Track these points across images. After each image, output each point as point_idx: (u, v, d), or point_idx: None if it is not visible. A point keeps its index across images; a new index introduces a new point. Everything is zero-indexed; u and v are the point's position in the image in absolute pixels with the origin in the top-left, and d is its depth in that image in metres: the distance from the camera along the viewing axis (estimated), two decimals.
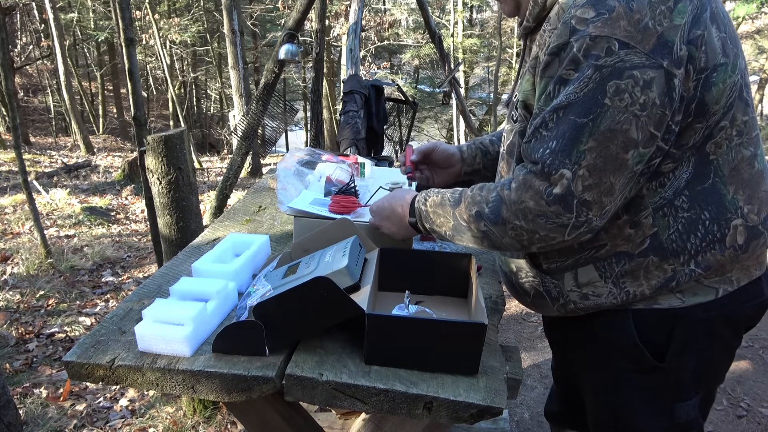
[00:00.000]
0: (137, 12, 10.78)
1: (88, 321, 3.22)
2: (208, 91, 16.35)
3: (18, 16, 13.31)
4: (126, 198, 6.45)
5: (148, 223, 3.55)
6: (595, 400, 1.15)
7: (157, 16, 10.85)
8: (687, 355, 1.01)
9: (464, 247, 1.55)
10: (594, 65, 0.83)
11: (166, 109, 15.31)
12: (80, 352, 1.00)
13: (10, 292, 3.52)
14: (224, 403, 1.59)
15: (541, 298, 1.08)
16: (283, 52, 4.16)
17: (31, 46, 13.71)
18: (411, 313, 1.06)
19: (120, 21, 3.21)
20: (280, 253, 1.29)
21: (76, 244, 4.61)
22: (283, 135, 11.48)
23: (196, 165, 9.55)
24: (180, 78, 13.73)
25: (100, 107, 13.63)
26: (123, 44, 3.23)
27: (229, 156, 7.91)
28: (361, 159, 1.74)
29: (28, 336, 3.01)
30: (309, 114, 8.98)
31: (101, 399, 2.47)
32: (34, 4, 11.42)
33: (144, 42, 11.57)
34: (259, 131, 5.05)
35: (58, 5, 10.85)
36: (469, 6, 15.90)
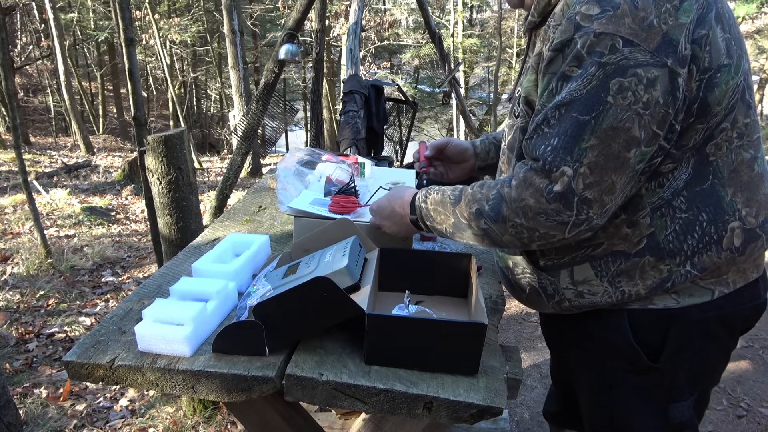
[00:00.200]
0: (137, 12, 10.78)
1: (88, 321, 3.22)
2: (208, 91, 16.35)
3: (18, 16, 13.31)
4: (126, 198, 6.45)
5: (148, 223, 3.55)
6: (590, 399, 1.15)
7: (157, 16, 10.85)
8: (682, 356, 1.01)
9: (464, 246, 1.55)
10: (597, 62, 0.83)
11: (166, 109, 15.31)
12: (80, 352, 1.00)
13: (10, 292, 3.52)
14: (224, 403, 1.59)
15: (537, 295, 1.08)
16: (283, 52, 4.16)
17: (31, 46, 13.71)
18: (411, 313, 1.06)
19: (120, 21, 3.21)
20: (280, 253, 1.29)
21: (76, 244, 4.61)
22: (283, 135, 11.48)
23: (196, 165, 9.55)
24: (180, 78, 13.73)
25: (100, 107, 13.64)
26: (123, 44, 3.23)
27: (229, 156, 7.91)
28: (361, 159, 1.74)
29: (28, 336, 3.01)
30: (309, 114, 8.98)
31: (101, 399, 2.47)
32: (34, 4, 11.42)
33: (144, 42, 11.57)
34: (259, 131, 5.04)
35: (58, 5, 10.85)
36: (469, 6, 15.90)
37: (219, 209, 4.66)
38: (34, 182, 6.23)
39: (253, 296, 1.09)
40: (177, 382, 0.96)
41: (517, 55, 14.50)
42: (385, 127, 3.86)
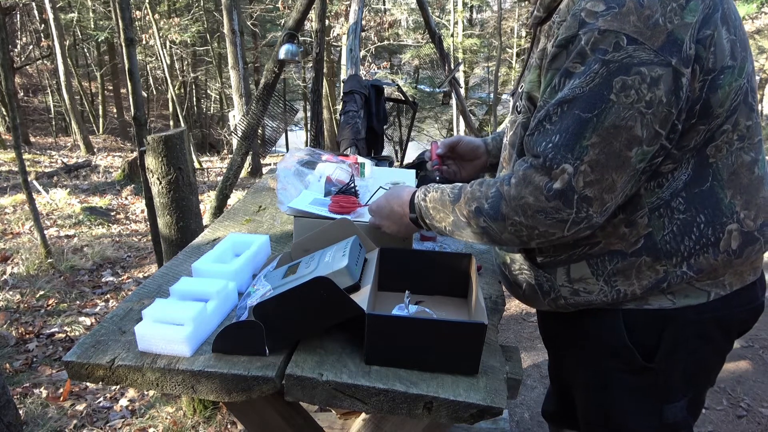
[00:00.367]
0: (137, 12, 10.78)
1: (88, 321, 3.22)
2: (208, 91, 16.35)
3: (18, 16, 13.31)
4: (126, 198, 6.45)
5: (148, 223, 3.55)
6: (586, 398, 1.15)
7: (157, 16, 10.85)
8: (676, 357, 1.00)
9: (464, 246, 1.55)
10: (601, 60, 0.82)
11: (166, 109, 15.31)
12: (80, 352, 1.00)
13: (10, 292, 3.52)
14: (224, 403, 1.59)
15: (533, 292, 1.08)
16: (283, 52, 4.16)
17: (31, 46, 13.71)
18: (411, 313, 1.06)
19: (120, 21, 3.21)
20: (280, 253, 1.29)
21: (76, 244, 4.61)
22: (283, 135, 11.48)
23: (196, 165, 9.55)
24: (180, 78, 13.73)
25: (100, 107, 13.64)
26: (123, 44, 3.23)
27: (229, 156, 7.91)
28: (361, 159, 1.74)
29: (28, 336, 3.01)
30: (309, 114, 8.99)
31: (101, 399, 2.47)
32: (34, 4, 11.42)
33: (144, 42, 11.57)
34: (259, 131, 5.04)
35: (58, 5, 10.85)
36: (469, 6, 15.91)
37: (219, 209, 4.66)
38: (34, 182, 6.24)
39: (253, 296, 1.09)
40: (177, 382, 0.96)
41: (518, 55, 14.50)
42: (385, 127, 3.86)
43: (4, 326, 3.08)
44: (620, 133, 0.83)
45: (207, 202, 5.93)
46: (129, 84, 3.23)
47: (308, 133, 10.48)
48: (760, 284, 1.05)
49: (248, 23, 12.10)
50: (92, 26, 13.35)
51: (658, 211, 0.93)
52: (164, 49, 10.67)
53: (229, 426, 2.24)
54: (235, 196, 5.84)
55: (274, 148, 7.04)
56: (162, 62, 10.76)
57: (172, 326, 0.99)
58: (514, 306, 3.41)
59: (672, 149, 0.89)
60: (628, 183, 0.88)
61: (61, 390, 2.51)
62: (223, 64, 13.16)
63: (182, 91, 14.03)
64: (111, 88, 14.92)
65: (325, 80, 8.18)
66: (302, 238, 1.26)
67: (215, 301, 1.08)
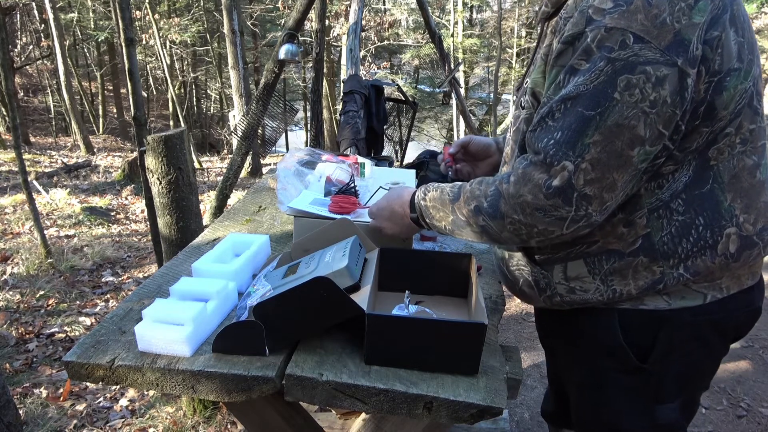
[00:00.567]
0: (137, 12, 10.78)
1: (88, 321, 3.22)
2: (208, 91, 16.35)
3: (18, 16, 13.31)
4: (126, 198, 6.45)
5: (148, 223, 3.55)
6: (579, 396, 1.15)
7: (157, 16, 10.85)
8: (671, 358, 1.00)
9: (464, 245, 1.55)
10: (607, 57, 0.82)
11: (166, 109, 15.31)
12: (80, 352, 1.00)
13: (10, 292, 3.52)
14: (224, 403, 1.59)
15: (529, 288, 1.08)
16: (283, 52, 4.16)
17: (31, 46, 13.71)
18: (411, 313, 1.06)
19: (120, 21, 3.21)
20: (280, 253, 1.29)
21: (76, 244, 4.61)
22: (283, 135, 11.48)
23: (196, 165, 9.55)
24: (180, 78, 13.73)
25: (100, 107, 13.64)
26: (123, 44, 3.23)
27: (229, 156, 7.91)
28: (361, 159, 1.74)
29: (28, 336, 3.01)
30: (309, 114, 8.99)
31: (101, 399, 2.47)
32: (34, 4, 11.42)
33: (144, 42, 11.57)
34: (259, 131, 5.04)
35: (58, 5, 10.85)
36: (469, 6, 15.91)
37: (219, 209, 4.66)
38: (34, 182, 6.24)
39: (253, 296, 1.09)
40: (177, 382, 0.96)
41: (518, 54, 14.50)
42: (385, 127, 3.86)
43: (4, 326, 3.08)
44: (623, 132, 0.83)
45: (207, 202, 5.93)
46: (129, 84, 3.23)
47: (308, 133, 10.48)
48: (758, 289, 1.04)
49: (248, 23, 12.10)
50: (92, 26, 13.35)
51: (657, 212, 0.93)
52: (164, 49, 10.67)
53: (229, 426, 2.24)
54: (235, 196, 5.84)
55: (274, 148, 7.04)
56: (162, 62, 10.76)
57: (172, 326, 0.99)
58: (514, 306, 3.41)
59: (674, 150, 0.89)
60: (629, 182, 0.88)
61: (61, 390, 2.51)
62: (223, 64, 13.16)
63: (182, 91, 14.03)
64: (111, 88, 14.92)
65: (325, 80, 8.18)
66: (302, 238, 1.26)
67: (215, 301, 1.08)
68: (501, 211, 0.92)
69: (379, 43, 12.85)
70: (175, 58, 13.24)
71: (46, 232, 4.31)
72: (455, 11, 13.45)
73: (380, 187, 1.43)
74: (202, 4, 12.48)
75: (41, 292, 3.53)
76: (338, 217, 1.28)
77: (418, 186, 1.16)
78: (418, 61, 15.16)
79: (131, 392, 2.50)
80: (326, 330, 1.04)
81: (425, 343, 0.95)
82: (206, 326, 1.04)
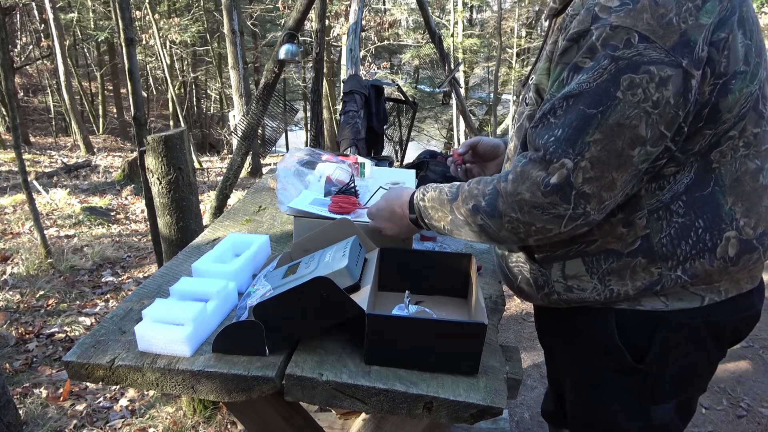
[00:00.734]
0: (137, 12, 10.78)
1: (88, 321, 3.22)
2: (208, 91, 16.35)
3: (18, 16, 13.31)
4: (126, 198, 6.45)
5: (148, 223, 3.55)
6: (575, 395, 1.15)
7: (157, 16, 10.85)
8: (667, 359, 1.00)
9: (464, 245, 1.55)
10: (611, 56, 0.81)
11: (166, 109, 15.31)
12: (80, 352, 1.00)
13: (10, 292, 3.52)
14: (224, 403, 1.59)
15: (528, 285, 1.08)
16: (283, 52, 4.16)
17: (31, 46, 13.71)
18: (411, 313, 1.06)
19: (120, 21, 3.21)
20: (280, 253, 1.29)
21: (76, 244, 4.61)
22: (283, 135, 11.48)
23: (196, 165, 9.55)
24: (180, 78, 13.73)
25: (100, 107, 13.64)
26: (123, 44, 3.23)
27: (229, 156, 7.91)
28: (361, 159, 1.74)
29: (28, 336, 3.01)
30: (309, 114, 8.99)
31: (101, 399, 2.47)
32: (34, 4, 11.42)
33: (144, 42, 11.57)
34: (259, 131, 5.05)
35: (58, 5, 10.85)
36: (469, 6, 15.91)
37: (219, 209, 4.66)
38: (34, 182, 6.24)
39: (253, 296, 1.09)
40: (177, 382, 0.96)
41: (518, 54, 14.49)
42: (385, 127, 3.86)
43: (4, 326, 3.08)
44: (624, 132, 0.82)
45: (207, 202, 5.93)
46: (129, 84, 3.23)
47: (308, 133, 10.48)
48: (758, 293, 1.03)
49: (248, 23, 12.10)
50: (92, 26, 13.35)
51: (657, 214, 0.93)
52: (164, 49, 10.67)
53: (229, 426, 2.24)
54: (235, 196, 5.84)
55: (274, 148, 7.04)
56: (162, 62, 10.76)
57: (172, 326, 0.99)
58: (514, 306, 3.41)
59: (676, 152, 0.89)
60: (629, 182, 0.88)
61: (61, 390, 2.51)
62: (223, 64, 13.16)
63: (182, 91, 14.03)
64: (111, 88, 14.92)
65: (325, 80, 8.18)
66: (302, 238, 1.26)
67: (215, 301, 1.08)
68: (499, 210, 0.92)
69: (379, 43, 12.85)
70: (175, 58, 13.24)
71: (46, 232, 4.31)
72: (455, 11, 13.45)
73: (380, 187, 1.43)
74: (202, 4, 12.48)
75: (41, 292, 3.53)
76: (338, 217, 1.28)
77: (418, 186, 1.16)
78: (418, 61, 15.17)
79: (131, 392, 2.50)
80: (326, 330, 1.04)
81: (425, 343, 0.95)
82: (206, 326, 1.04)
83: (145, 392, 2.49)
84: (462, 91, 7.46)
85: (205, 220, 4.10)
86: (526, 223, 0.90)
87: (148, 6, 9.90)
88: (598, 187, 0.85)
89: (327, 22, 8.17)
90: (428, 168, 2.00)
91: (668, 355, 0.99)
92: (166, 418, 2.30)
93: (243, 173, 8.45)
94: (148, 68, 13.81)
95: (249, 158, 8.49)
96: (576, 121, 0.84)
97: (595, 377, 1.07)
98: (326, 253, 1.14)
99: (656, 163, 0.89)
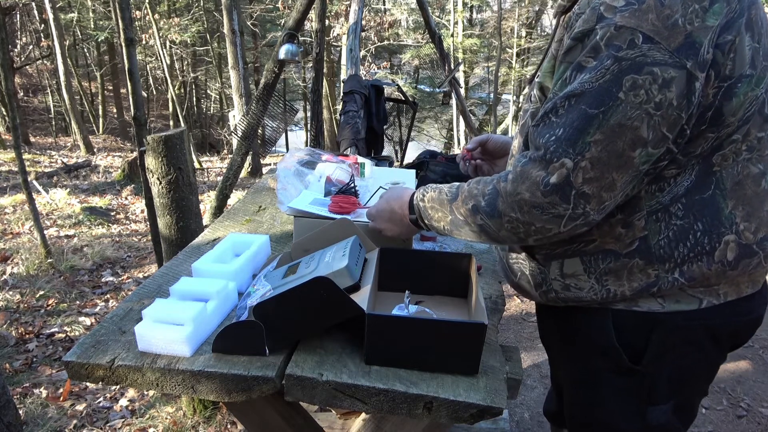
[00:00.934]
0: (137, 12, 10.78)
1: (88, 321, 3.22)
2: (208, 91, 16.36)
3: (18, 16, 13.31)
4: (126, 198, 6.45)
5: (148, 223, 3.55)
6: (572, 394, 1.15)
7: (157, 16, 10.85)
8: (664, 360, 1.00)
9: (464, 245, 1.55)
10: (614, 56, 0.81)
11: (166, 109, 15.31)
12: (80, 352, 1.00)
13: (10, 292, 3.52)
14: (224, 403, 1.59)
15: (527, 282, 1.09)
16: (283, 52, 4.16)
17: (31, 46, 13.71)
18: (411, 313, 1.06)
19: (120, 21, 3.21)
20: (280, 253, 1.29)
21: (76, 244, 4.61)
22: (283, 135, 11.48)
23: (196, 165, 9.55)
24: (180, 78, 13.73)
25: (100, 107, 13.64)
26: (123, 44, 3.23)
27: (229, 156, 7.91)
28: (361, 159, 1.74)
29: (28, 336, 3.01)
30: (309, 114, 8.99)
31: (101, 399, 2.47)
32: (34, 4, 11.42)
33: (144, 42, 11.57)
34: (259, 131, 5.05)
35: (58, 5, 10.85)
36: (469, 6, 15.90)
37: (219, 209, 4.66)
38: (34, 182, 6.24)
39: (253, 296, 1.09)
40: (177, 382, 0.96)
41: (518, 55, 14.49)
42: (385, 127, 3.86)
43: (4, 326, 3.08)
44: (625, 133, 0.82)
45: (207, 202, 5.93)
46: (129, 84, 3.23)
47: (308, 133, 10.48)
48: (760, 297, 1.02)
49: (248, 23, 12.10)
50: (92, 26, 13.35)
51: (656, 215, 0.92)
52: (164, 49, 10.67)
53: (229, 426, 2.24)
54: (235, 196, 5.84)
55: (274, 148, 7.04)
56: (162, 62, 10.76)
57: (172, 326, 0.99)
58: (514, 306, 3.41)
59: (678, 154, 0.88)
60: (630, 183, 0.87)
61: (61, 390, 2.51)
62: (223, 64, 13.16)
63: (182, 91, 14.03)
64: (111, 88, 14.92)
65: (325, 80, 8.18)
66: (302, 238, 1.26)
67: (215, 301, 1.08)
68: (499, 210, 0.92)
69: (379, 43, 12.85)
70: (175, 58, 13.24)
71: (46, 232, 4.31)
72: (455, 11, 13.45)
73: (380, 187, 1.43)
74: (202, 4, 12.48)
75: (41, 292, 3.53)
76: (338, 217, 1.28)
77: (418, 186, 1.16)
78: (418, 61, 15.16)
79: (131, 392, 2.50)
80: (326, 330, 1.04)
81: (425, 343, 0.95)
82: (206, 326, 1.04)
83: (145, 392, 2.49)
84: (462, 91, 7.46)
85: (205, 220, 4.10)
86: (526, 223, 0.90)
87: (148, 6, 9.90)
88: (597, 187, 0.84)
89: (327, 22, 8.17)
90: (428, 168, 2.00)
91: (665, 356, 0.99)
92: (166, 418, 2.30)
93: (243, 173, 8.45)
94: (148, 68, 13.81)
95: (249, 158, 8.49)
96: (577, 121, 0.83)
97: (592, 377, 1.07)
98: (326, 253, 1.14)
99: (657, 165, 0.88)
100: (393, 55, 15.65)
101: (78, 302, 3.50)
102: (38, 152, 9.37)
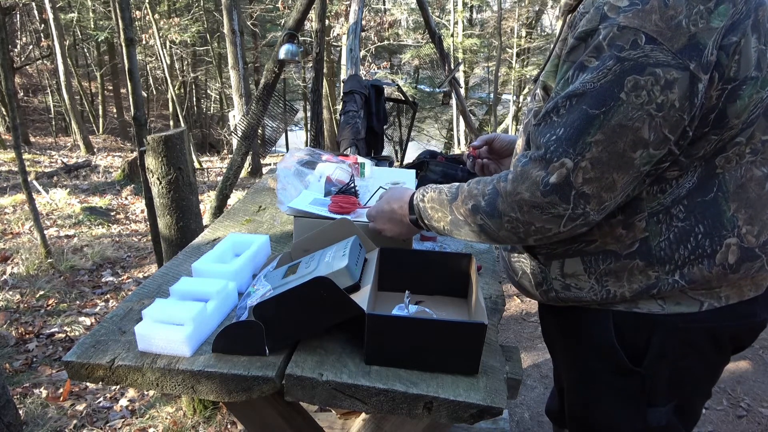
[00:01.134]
0: (137, 12, 10.78)
1: (88, 321, 3.22)
2: (208, 91, 16.35)
3: (18, 16, 13.31)
4: (126, 198, 6.45)
5: (148, 223, 3.55)
6: (574, 394, 1.16)
7: (157, 16, 10.85)
8: (663, 362, 0.99)
9: (464, 245, 1.55)
10: (616, 56, 0.80)
11: (166, 109, 15.31)
12: (80, 352, 1.00)
13: (10, 292, 3.52)
14: (224, 403, 1.59)
15: (527, 281, 1.09)
16: (283, 52, 4.16)
17: (31, 46, 13.71)
18: (411, 313, 1.06)
19: (120, 21, 3.21)
20: (280, 253, 1.29)
21: (76, 244, 4.60)
22: (283, 135, 11.48)
23: (196, 165, 9.56)
24: (180, 78, 13.73)
25: (100, 107, 13.63)
26: (123, 44, 3.23)
27: (229, 156, 7.91)
28: (361, 159, 1.74)
29: (28, 336, 3.01)
30: (309, 114, 8.98)
31: (101, 399, 2.47)
32: (34, 4, 11.41)
33: (144, 42, 11.57)
34: (259, 131, 5.05)
35: (58, 5, 10.85)
36: (469, 6, 15.89)
37: (219, 209, 4.66)
38: (34, 182, 6.23)
39: (253, 296, 1.09)
40: (177, 382, 0.96)
41: (518, 55, 14.49)
42: (385, 127, 3.86)
43: (4, 326, 3.08)
44: (626, 133, 0.81)
45: (207, 202, 5.93)
46: (129, 84, 3.23)
47: (308, 133, 10.48)
48: (763, 301, 1.01)
49: (248, 23, 12.10)
50: (92, 26, 13.35)
51: (657, 217, 0.92)
52: (164, 49, 10.67)
53: (229, 426, 2.24)
54: (235, 196, 5.84)
55: (274, 148, 7.04)
56: (162, 62, 10.76)
57: (172, 326, 0.99)
58: (514, 306, 3.41)
59: (680, 156, 0.88)
60: (630, 184, 0.87)
61: (61, 390, 2.51)
62: (223, 64, 13.16)
63: (182, 91, 14.03)
64: (111, 88, 14.92)
65: (325, 80, 8.19)
66: (302, 238, 1.26)
67: (215, 301, 1.08)
68: (498, 210, 0.92)
69: (379, 43, 12.85)
70: (175, 58, 13.24)
71: (46, 232, 4.31)
72: (455, 11, 13.45)
73: (380, 187, 1.43)
74: (202, 4, 12.48)
75: (41, 292, 3.53)
76: (338, 217, 1.28)
77: (418, 186, 1.16)
78: (418, 61, 15.15)
79: (131, 392, 2.50)
80: (326, 330, 1.04)
81: (425, 343, 0.95)
82: (206, 326, 1.04)
83: (145, 392, 2.49)
84: (462, 91, 7.46)
85: (205, 220, 4.10)
86: (526, 223, 0.90)
87: (148, 6, 9.90)
88: (598, 187, 0.84)
89: (327, 22, 8.17)
90: (428, 168, 2.00)
91: (664, 357, 0.99)
92: (166, 418, 2.30)
93: (243, 173, 8.45)
94: (148, 68, 13.81)
95: (249, 158, 8.50)
96: (578, 121, 0.83)
97: (592, 377, 1.07)
98: (326, 253, 1.14)
99: (659, 166, 0.88)
100: (393, 55, 15.65)
101: (78, 302, 3.50)
102: (38, 152, 9.37)
